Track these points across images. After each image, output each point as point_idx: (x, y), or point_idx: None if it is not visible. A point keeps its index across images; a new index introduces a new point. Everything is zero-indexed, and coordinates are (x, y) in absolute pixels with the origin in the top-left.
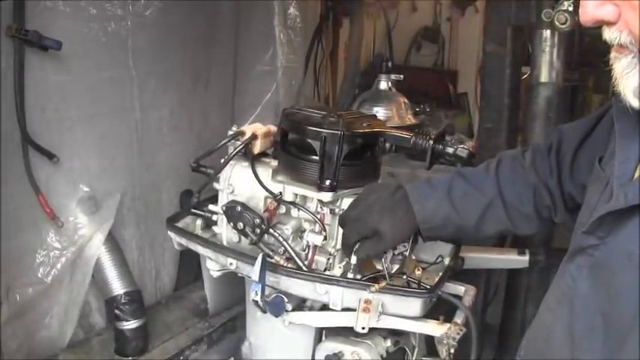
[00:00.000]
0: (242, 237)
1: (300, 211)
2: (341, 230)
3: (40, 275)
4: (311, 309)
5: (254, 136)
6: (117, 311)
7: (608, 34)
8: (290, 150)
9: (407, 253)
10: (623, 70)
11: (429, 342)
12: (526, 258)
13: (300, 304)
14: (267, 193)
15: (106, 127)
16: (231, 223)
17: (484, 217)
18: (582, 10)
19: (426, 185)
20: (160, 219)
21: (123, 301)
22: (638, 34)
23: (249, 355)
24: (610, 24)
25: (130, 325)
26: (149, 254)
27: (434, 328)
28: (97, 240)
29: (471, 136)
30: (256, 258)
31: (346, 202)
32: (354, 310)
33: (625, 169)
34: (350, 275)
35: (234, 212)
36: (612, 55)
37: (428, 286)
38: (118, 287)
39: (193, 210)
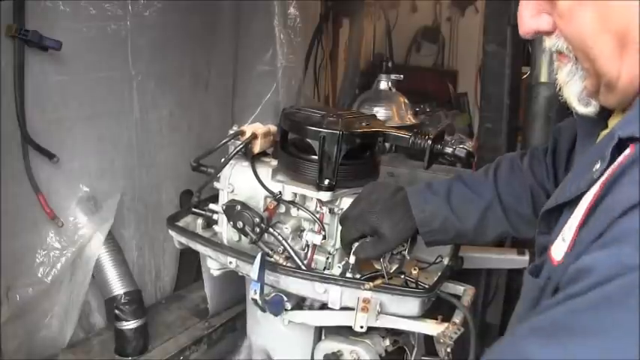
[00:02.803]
0: (242, 236)
1: (300, 210)
2: (340, 228)
3: (40, 275)
4: (310, 308)
5: (254, 136)
6: (117, 311)
7: (549, 43)
8: (289, 149)
9: (405, 253)
10: (565, 78)
11: (429, 341)
12: (526, 258)
13: (300, 303)
14: (266, 193)
15: (105, 128)
16: (231, 222)
17: (483, 221)
18: (520, 22)
19: (426, 189)
20: (160, 219)
21: (123, 301)
22: (576, 42)
23: (249, 354)
24: (548, 33)
25: (130, 325)
26: (149, 254)
27: (432, 328)
28: (97, 240)
29: (471, 136)
30: (255, 257)
31: (345, 202)
32: (353, 309)
33: (580, 170)
34: (349, 274)
35: (234, 211)
36: (555, 64)
37: (426, 286)
38: (118, 287)
39: (194, 209)
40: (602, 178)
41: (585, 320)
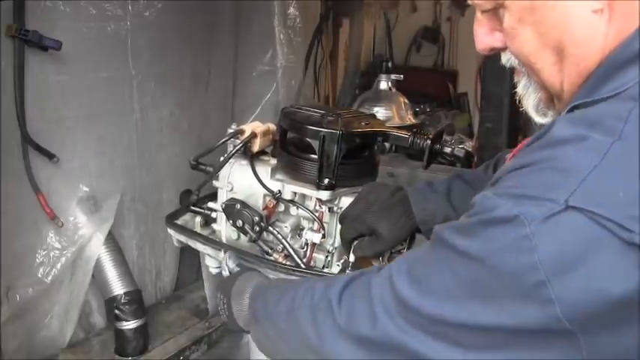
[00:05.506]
0: (241, 234)
1: (299, 209)
2: (339, 227)
3: (40, 275)
4: None
5: (253, 135)
6: (117, 311)
7: (503, 58)
8: (289, 149)
9: (404, 252)
10: (522, 91)
11: None
12: None
13: None
14: (266, 191)
15: (105, 128)
16: (231, 221)
17: None
18: (476, 39)
19: (426, 187)
20: (160, 219)
21: (123, 301)
22: (521, 57)
23: (249, 354)
24: (503, 49)
25: (130, 325)
26: (149, 254)
27: None
28: (97, 240)
29: (471, 136)
30: (255, 255)
31: (344, 201)
32: None
33: None
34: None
35: (234, 210)
36: (515, 79)
37: None
38: (118, 287)
39: (193, 207)
40: None
41: (453, 237)
